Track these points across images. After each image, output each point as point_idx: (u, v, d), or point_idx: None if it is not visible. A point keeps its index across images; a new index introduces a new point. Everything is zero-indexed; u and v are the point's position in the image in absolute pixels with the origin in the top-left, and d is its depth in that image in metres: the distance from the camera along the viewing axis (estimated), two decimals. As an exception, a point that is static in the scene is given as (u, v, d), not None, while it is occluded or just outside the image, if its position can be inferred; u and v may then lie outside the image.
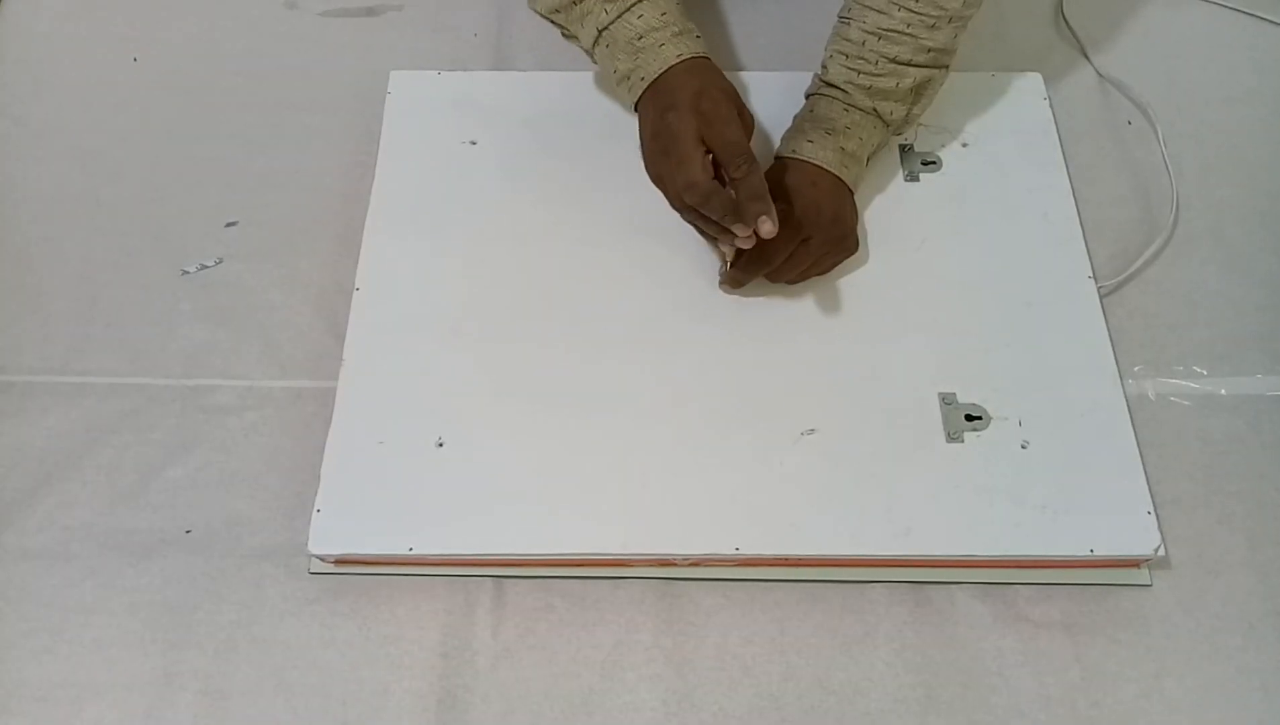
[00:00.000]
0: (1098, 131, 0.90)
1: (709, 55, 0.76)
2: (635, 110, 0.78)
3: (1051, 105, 0.88)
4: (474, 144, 0.86)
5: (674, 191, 0.74)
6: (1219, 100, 0.93)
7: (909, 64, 0.76)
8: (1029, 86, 0.89)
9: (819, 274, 0.78)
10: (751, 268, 0.75)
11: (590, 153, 0.85)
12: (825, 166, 0.76)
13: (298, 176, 0.88)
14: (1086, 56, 0.95)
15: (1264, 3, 0.97)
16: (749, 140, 0.74)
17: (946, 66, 0.79)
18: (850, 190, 0.78)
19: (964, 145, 0.85)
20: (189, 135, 0.90)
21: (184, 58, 0.95)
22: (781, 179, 0.77)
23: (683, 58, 0.75)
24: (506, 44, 0.95)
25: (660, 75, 0.74)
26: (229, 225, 0.86)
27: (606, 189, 0.83)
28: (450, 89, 0.89)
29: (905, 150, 0.85)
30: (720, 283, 0.78)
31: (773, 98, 0.84)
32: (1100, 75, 0.94)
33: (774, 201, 0.71)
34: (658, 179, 0.75)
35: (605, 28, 0.76)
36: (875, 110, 0.77)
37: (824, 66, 0.79)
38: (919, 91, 0.78)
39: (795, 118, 0.80)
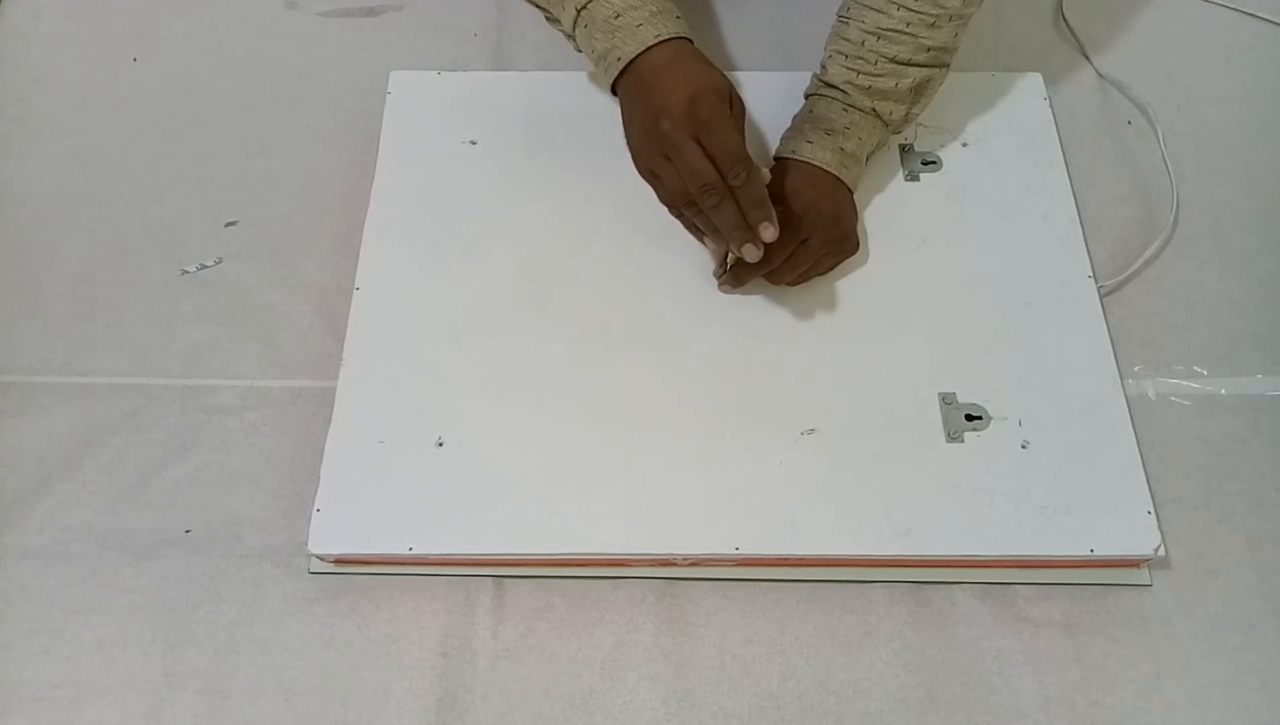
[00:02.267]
0: (1098, 131, 0.90)
1: (689, 35, 0.75)
2: (614, 93, 0.76)
3: (1051, 105, 0.88)
4: (474, 144, 0.86)
5: (669, 189, 0.73)
6: (1219, 100, 0.93)
7: (909, 63, 0.76)
8: (1029, 86, 0.89)
9: (819, 275, 0.78)
10: (751, 268, 0.75)
11: (590, 153, 0.85)
12: (825, 167, 0.76)
13: (298, 176, 0.88)
14: (1086, 56, 0.95)
15: (1264, 3, 0.97)
16: (742, 134, 0.73)
17: (947, 65, 0.79)
18: (850, 190, 0.78)
19: (964, 145, 0.85)
20: (189, 135, 0.90)
21: (184, 58, 0.95)
22: (781, 180, 0.77)
23: (661, 38, 0.72)
24: (506, 44, 0.95)
25: (638, 56, 0.72)
26: (229, 225, 0.86)
27: (606, 189, 0.83)
28: (450, 89, 0.89)
29: (905, 150, 0.85)
30: (720, 284, 0.78)
31: (772, 98, 0.84)
32: (1100, 75, 0.94)
33: (774, 204, 0.71)
34: (650, 176, 0.73)
35: (583, 7, 0.75)
36: (874, 110, 0.77)
37: (823, 66, 0.79)
38: (919, 91, 0.78)
39: (794, 118, 0.80)
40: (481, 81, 0.90)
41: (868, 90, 0.76)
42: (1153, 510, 0.70)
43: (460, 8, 0.98)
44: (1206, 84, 0.93)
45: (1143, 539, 0.69)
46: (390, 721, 0.67)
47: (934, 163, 0.85)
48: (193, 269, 0.84)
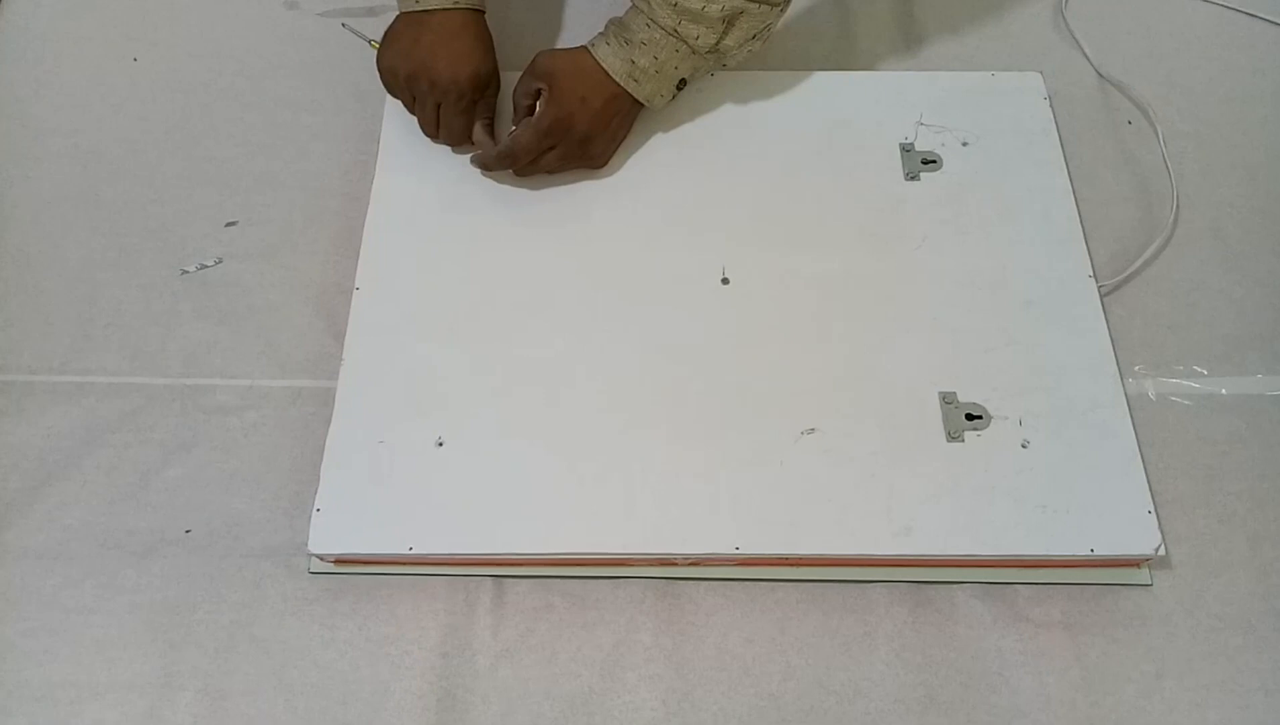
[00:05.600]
0: (1098, 131, 0.90)
1: (483, 8, 0.81)
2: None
3: (1051, 105, 0.88)
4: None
5: (415, 114, 0.82)
6: (1219, 100, 0.93)
7: None
8: (1029, 86, 0.89)
9: (551, 172, 0.83)
10: (502, 161, 0.81)
11: (590, 153, 0.85)
12: (611, 73, 0.78)
13: (298, 176, 0.88)
14: (1086, 56, 0.95)
15: (1264, 3, 0.97)
16: (487, 112, 0.83)
17: (773, 5, 0.78)
18: (638, 103, 0.80)
19: (964, 145, 0.85)
20: (189, 135, 0.90)
21: (184, 58, 0.95)
22: (569, 74, 0.79)
23: (459, 5, 0.79)
24: (507, 44, 0.95)
25: (435, 10, 0.79)
26: (229, 225, 0.86)
27: (606, 189, 0.83)
28: (450, 89, 0.89)
29: (905, 150, 0.85)
30: (471, 160, 0.83)
31: (764, 98, 0.84)
32: (1100, 75, 0.94)
33: (543, 94, 0.79)
34: (397, 93, 0.82)
35: None
36: (678, 32, 0.77)
37: None
38: (731, 22, 0.77)
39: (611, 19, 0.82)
40: (481, 81, 0.90)
41: (674, 6, 0.76)
42: (1153, 510, 0.70)
43: (460, 8, 0.98)
44: (1206, 84, 0.93)
45: (1143, 539, 0.69)
46: (390, 721, 0.67)
47: (934, 162, 0.85)
48: (193, 269, 0.84)
